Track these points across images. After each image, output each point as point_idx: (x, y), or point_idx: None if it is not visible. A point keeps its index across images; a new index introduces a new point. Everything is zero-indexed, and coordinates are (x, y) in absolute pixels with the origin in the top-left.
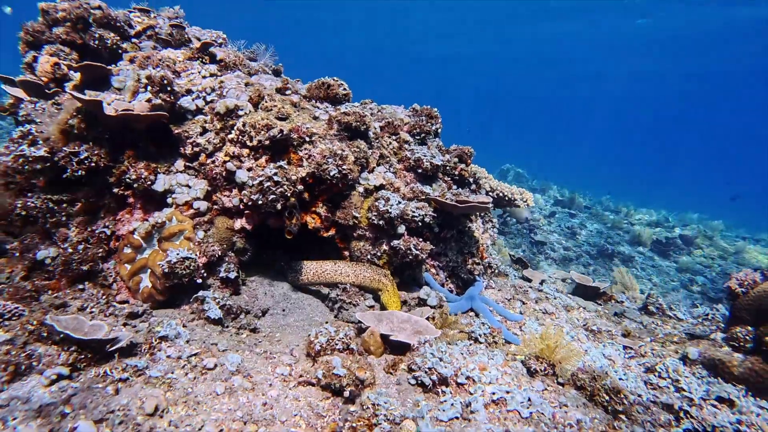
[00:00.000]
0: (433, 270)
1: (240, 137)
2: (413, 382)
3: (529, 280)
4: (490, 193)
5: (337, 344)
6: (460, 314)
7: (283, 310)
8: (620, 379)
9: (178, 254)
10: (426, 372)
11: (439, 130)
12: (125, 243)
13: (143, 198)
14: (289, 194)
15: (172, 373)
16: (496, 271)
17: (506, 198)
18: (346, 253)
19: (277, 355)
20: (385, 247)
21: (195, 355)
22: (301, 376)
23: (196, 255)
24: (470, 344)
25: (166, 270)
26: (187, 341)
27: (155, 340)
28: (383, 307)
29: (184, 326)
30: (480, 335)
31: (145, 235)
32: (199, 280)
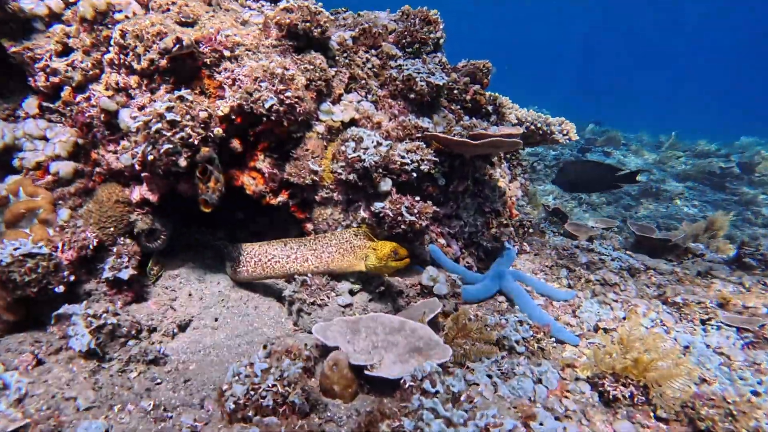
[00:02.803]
0: (442, 240)
1: (122, 57)
2: None
3: (574, 237)
4: (517, 126)
5: (265, 397)
6: (485, 302)
7: (215, 320)
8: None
9: (14, 250)
10: None
11: (441, 41)
12: None
13: None
14: (196, 141)
15: None
16: (530, 230)
17: (540, 131)
18: (309, 226)
19: (174, 413)
20: (363, 213)
21: (23, 428)
22: None
23: (57, 247)
24: (502, 359)
25: None
26: (19, 399)
27: None
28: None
29: (26, 370)
30: (517, 341)
31: None
32: (60, 288)
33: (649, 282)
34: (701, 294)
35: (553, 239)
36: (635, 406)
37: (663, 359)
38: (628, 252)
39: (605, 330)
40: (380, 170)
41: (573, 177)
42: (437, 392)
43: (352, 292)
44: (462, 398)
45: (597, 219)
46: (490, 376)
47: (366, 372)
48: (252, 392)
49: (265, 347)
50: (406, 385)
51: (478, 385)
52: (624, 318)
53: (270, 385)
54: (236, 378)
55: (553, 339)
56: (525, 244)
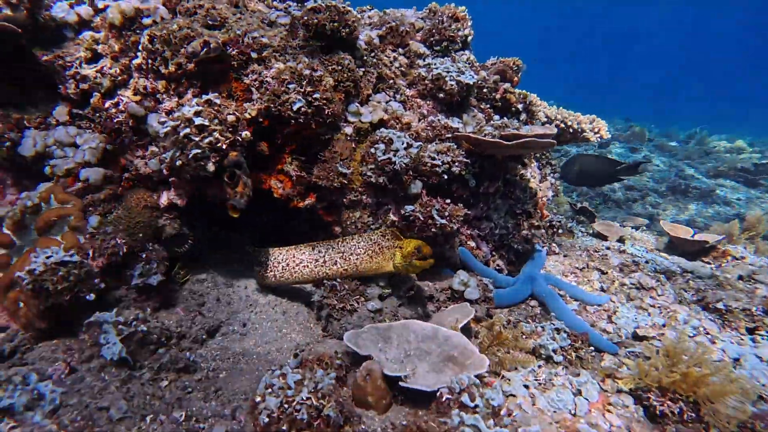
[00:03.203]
0: (471, 243)
1: (150, 61)
2: None
3: (604, 237)
4: (549, 125)
5: (299, 410)
6: (517, 307)
7: (243, 326)
8: None
9: (47, 259)
10: None
11: (469, 39)
12: None
13: (13, 170)
14: (224, 146)
15: None
16: (559, 230)
17: (570, 129)
18: (337, 229)
19: (206, 425)
20: (392, 216)
21: None
22: None
23: (87, 255)
24: (539, 369)
25: (29, 286)
26: (53, 410)
27: None
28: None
29: (59, 379)
30: (554, 350)
31: (15, 225)
32: (91, 296)
33: (687, 286)
34: (745, 300)
35: (583, 239)
36: (684, 423)
37: (715, 374)
38: (662, 254)
39: (644, 338)
40: (410, 172)
41: (576, 171)
42: (477, 406)
43: (381, 297)
44: (502, 412)
45: (624, 218)
46: (527, 387)
47: (401, 383)
48: (286, 405)
49: (295, 356)
50: (443, 398)
51: (515, 397)
52: (663, 325)
53: (304, 398)
54: (269, 390)
55: (591, 348)
56: (554, 245)
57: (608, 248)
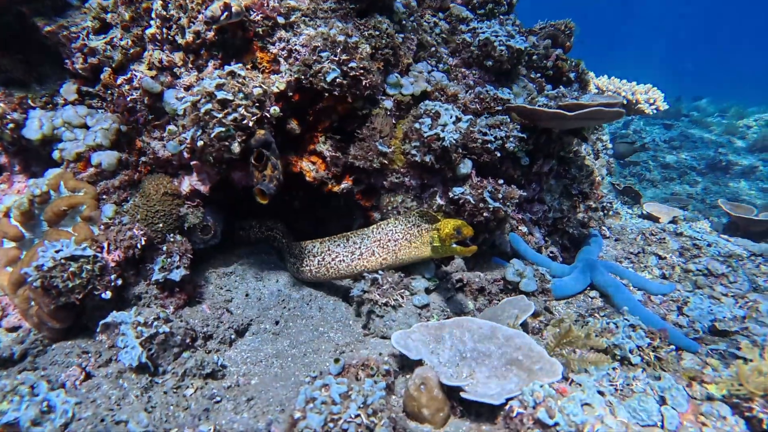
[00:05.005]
0: (523, 228)
1: (165, 30)
2: None
3: (655, 219)
4: (611, 93)
5: (346, 429)
6: (575, 298)
7: (276, 324)
8: None
9: (56, 253)
10: None
11: (515, 0)
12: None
13: (20, 155)
14: (250, 123)
15: None
16: (610, 212)
17: (624, 100)
18: (376, 215)
19: None
20: (439, 200)
21: None
22: None
23: (102, 248)
24: (615, 372)
25: (37, 283)
26: (65, 425)
27: None
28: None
29: (73, 386)
30: (631, 350)
31: (24, 216)
32: (107, 294)
33: (758, 272)
34: None
35: (632, 222)
36: None
37: None
38: (723, 236)
39: (725, 332)
40: (460, 150)
41: None
42: (557, 424)
43: (428, 291)
44: (586, 430)
45: (668, 198)
46: (601, 393)
47: (463, 395)
48: (331, 424)
49: (336, 360)
50: (515, 413)
51: (592, 407)
52: (744, 317)
53: (353, 416)
54: (311, 405)
55: (672, 347)
56: (604, 228)
57: (663, 230)
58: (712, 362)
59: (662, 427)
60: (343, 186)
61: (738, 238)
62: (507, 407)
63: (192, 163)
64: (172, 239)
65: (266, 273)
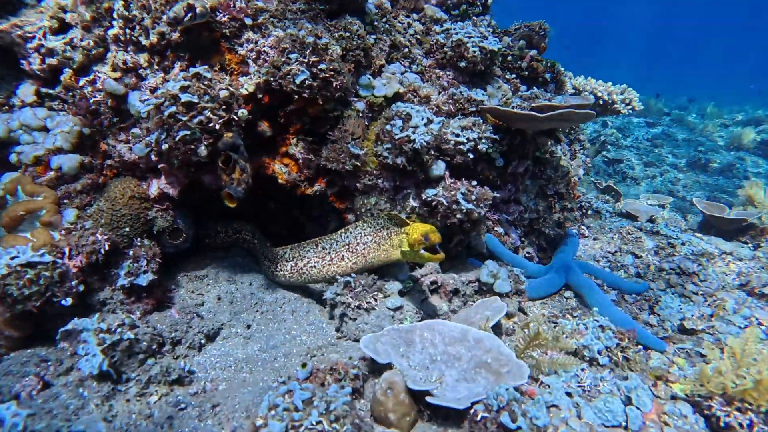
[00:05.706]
0: (499, 229)
1: (128, 31)
2: None
3: (634, 218)
4: (585, 94)
5: None
6: (550, 298)
7: (248, 328)
8: None
9: (11, 260)
10: None
11: (490, 1)
12: None
13: None
14: (217, 126)
15: None
16: (588, 212)
17: (600, 100)
18: (350, 217)
19: None
20: (413, 202)
21: None
22: None
23: (63, 253)
24: (582, 373)
25: None
26: None
27: None
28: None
29: (29, 397)
30: (599, 351)
31: None
32: (68, 300)
33: (728, 269)
34: None
35: (611, 221)
36: None
37: None
38: (697, 234)
39: (692, 331)
40: (432, 151)
41: None
42: (519, 429)
43: (401, 293)
44: None
45: (648, 195)
46: (569, 395)
47: (428, 399)
48: (292, 431)
49: (304, 365)
50: (479, 417)
51: (558, 409)
52: (711, 315)
53: (314, 422)
54: (272, 412)
55: (639, 346)
56: (582, 227)
57: (640, 229)
58: (679, 361)
59: (626, 427)
60: (316, 188)
61: (711, 237)
62: (472, 411)
63: (159, 166)
64: (139, 243)
65: (240, 276)
